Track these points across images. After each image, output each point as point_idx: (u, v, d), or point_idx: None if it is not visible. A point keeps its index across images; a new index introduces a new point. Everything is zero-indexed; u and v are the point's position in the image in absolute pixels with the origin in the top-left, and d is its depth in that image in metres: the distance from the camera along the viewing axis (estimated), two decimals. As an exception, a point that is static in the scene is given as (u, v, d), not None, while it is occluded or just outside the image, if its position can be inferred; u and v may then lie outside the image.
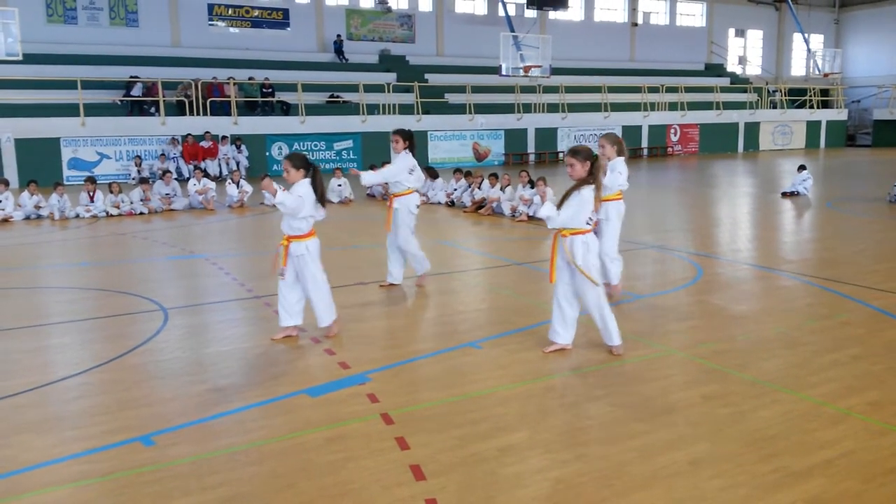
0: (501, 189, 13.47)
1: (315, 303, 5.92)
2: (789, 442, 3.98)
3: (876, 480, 3.58)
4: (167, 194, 14.74)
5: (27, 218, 13.44)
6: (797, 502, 3.39)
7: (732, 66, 38.98)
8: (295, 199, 5.69)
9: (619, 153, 7.06)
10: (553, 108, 27.86)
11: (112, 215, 13.65)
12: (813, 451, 3.87)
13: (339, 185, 15.66)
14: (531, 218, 12.43)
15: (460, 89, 26.65)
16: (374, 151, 22.85)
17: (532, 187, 12.83)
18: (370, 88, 24.45)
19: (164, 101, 20.99)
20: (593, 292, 5.32)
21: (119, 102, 21.71)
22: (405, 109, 24.95)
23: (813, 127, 34.82)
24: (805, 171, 15.92)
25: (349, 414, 4.43)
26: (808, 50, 36.38)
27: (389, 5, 29.55)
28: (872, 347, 5.54)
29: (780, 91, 35.24)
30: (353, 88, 24.50)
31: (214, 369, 5.30)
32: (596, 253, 5.38)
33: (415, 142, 7.57)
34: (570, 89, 28.53)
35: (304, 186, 5.81)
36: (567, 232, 5.26)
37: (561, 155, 27.40)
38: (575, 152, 5.26)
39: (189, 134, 20.77)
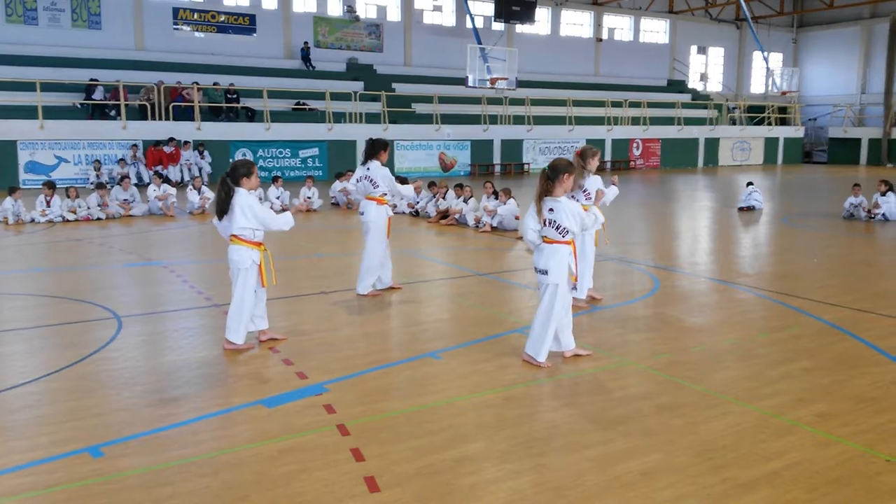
0: (465, 200, 13.52)
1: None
2: (738, 453, 4.05)
3: (820, 490, 3.66)
4: (126, 200, 14.49)
5: (-20, 222, 13.11)
6: (745, 512, 3.46)
7: (694, 83, 39.75)
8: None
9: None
10: (519, 119, 28.10)
11: (69, 220, 13.37)
12: (761, 463, 3.95)
13: (309, 198, 15.57)
14: (494, 229, 12.50)
15: (427, 99, 26.73)
16: (340, 160, 22.79)
17: (496, 198, 12.92)
18: (337, 97, 24.37)
19: (125, 105, 20.66)
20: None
21: (79, 106, 21.32)
22: (372, 118, 24.95)
23: (771, 143, 35.69)
24: (752, 186, 16.43)
25: (305, 425, 4.39)
26: (767, 68, 37.33)
27: (357, 14, 29.54)
28: (822, 360, 5.68)
29: (740, 108, 36.06)
30: (319, 96, 24.40)
31: (169, 379, 5.21)
32: None
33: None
34: (536, 102, 28.81)
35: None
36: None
37: (526, 166, 27.66)
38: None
39: (159, 141, 20.47)
